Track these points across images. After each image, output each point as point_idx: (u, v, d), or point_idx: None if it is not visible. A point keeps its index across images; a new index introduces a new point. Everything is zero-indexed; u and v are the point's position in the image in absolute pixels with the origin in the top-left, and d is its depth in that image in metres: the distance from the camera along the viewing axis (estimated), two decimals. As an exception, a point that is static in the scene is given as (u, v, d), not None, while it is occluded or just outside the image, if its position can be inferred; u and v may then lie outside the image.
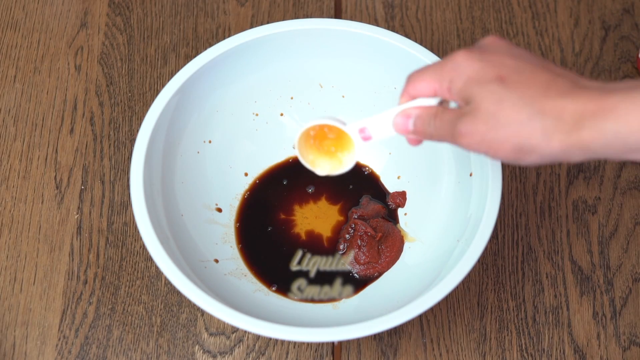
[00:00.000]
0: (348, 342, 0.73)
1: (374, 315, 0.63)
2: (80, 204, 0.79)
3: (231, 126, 0.78)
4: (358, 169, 0.79)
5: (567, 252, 0.77)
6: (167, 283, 0.75)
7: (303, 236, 0.76)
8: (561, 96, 0.50)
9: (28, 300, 0.75)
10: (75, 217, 0.78)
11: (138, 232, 0.71)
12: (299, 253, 0.75)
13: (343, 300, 0.72)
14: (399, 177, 0.78)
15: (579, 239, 0.77)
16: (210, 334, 0.73)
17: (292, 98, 0.79)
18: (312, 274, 0.74)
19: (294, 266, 0.74)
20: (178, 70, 0.76)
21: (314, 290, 0.73)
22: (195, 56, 0.75)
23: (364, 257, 0.73)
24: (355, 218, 0.75)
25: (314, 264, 0.74)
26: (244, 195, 0.78)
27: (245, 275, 0.73)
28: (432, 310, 0.74)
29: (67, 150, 0.81)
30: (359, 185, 0.78)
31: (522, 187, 0.80)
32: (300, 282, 0.73)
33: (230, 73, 0.75)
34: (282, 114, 0.79)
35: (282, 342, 0.73)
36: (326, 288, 0.73)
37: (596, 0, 0.89)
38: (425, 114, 0.57)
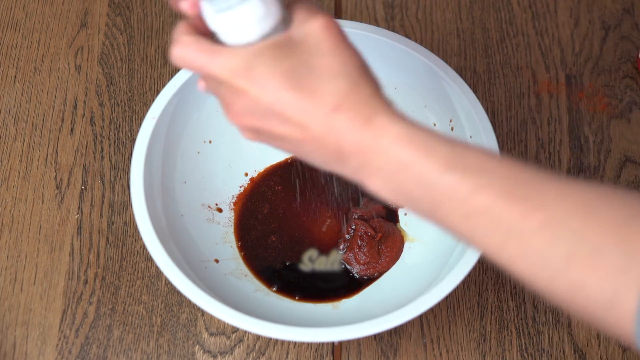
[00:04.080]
0: (348, 342, 0.73)
1: (374, 315, 0.63)
2: (81, 204, 0.79)
3: (231, 126, 0.77)
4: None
5: (567, 252, 0.77)
6: (167, 283, 0.75)
7: (303, 236, 0.76)
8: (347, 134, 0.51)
9: (28, 300, 0.75)
10: (76, 217, 0.78)
11: (138, 232, 0.71)
12: (299, 253, 0.75)
13: (343, 300, 0.72)
14: (399, 177, 0.77)
15: (579, 239, 0.77)
16: (211, 334, 0.73)
17: (292, 98, 0.78)
18: (312, 272, 0.74)
19: (294, 266, 0.74)
20: (178, 70, 0.76)
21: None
22: (195, 56, 0.75)
23: (364, 257, 0.73)
24: (355, 218, 0.75)
25: (314, 263, 0.74)
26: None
27: (245, 275, 0.73)
28: (432, 310, 0.74)
29: (67, 150, 0.81)
30: (360, 186, 0.78)
31: (522, 187, 0.79)
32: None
33: (230, 73, 0.75)
34: (282, 114, 0.79)
35: (282, 342, 0.73)
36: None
37: (596, 0, 0.89)
38: None
